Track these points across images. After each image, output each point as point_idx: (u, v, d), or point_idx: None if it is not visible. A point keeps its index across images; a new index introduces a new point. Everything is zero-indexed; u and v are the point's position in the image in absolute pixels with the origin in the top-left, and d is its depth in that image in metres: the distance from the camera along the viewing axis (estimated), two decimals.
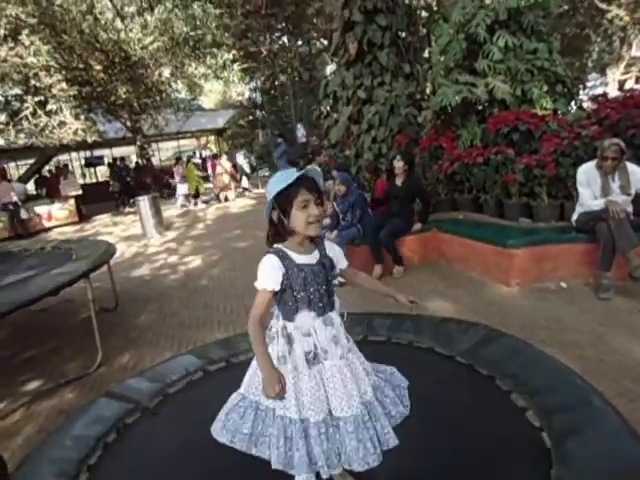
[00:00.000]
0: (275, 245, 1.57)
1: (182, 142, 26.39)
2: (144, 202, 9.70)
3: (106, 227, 12.04)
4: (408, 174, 5.07)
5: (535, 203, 4.79)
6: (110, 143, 18.20)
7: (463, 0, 5.93)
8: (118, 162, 16.59)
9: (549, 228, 4.55)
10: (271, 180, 1.55)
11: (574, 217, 4.20)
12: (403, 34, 8.42)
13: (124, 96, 14.01)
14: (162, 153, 25.87)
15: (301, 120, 15.56)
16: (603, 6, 20.63)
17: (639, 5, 20.66)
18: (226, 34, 15.07)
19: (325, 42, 15.31)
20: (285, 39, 17.59)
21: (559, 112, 5.63)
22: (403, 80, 7.90)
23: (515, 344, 2.28)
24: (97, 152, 20.38)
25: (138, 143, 17.16)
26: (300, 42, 17.75)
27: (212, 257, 7.09)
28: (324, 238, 1.68)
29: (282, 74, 17.85)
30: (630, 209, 3.90)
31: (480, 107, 5.72)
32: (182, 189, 13.84)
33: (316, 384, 1.51)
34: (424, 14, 11.42)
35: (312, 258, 1.58)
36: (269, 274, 1.51)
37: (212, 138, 26.10)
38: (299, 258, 1.55)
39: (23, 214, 11.85)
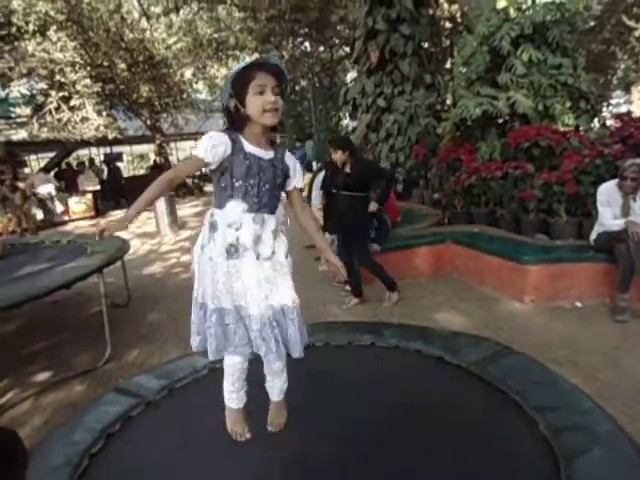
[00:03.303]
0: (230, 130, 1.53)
1: None
2: (160, 200, 9.77)
3: None
4: (354, 161, 4.25)
5: (553, 220, 4.72)
6: (129, 140, 18.41)
7: (488, 13, 5.91)
8: (110, 163, 16.87)
9: (566, 246, 4.47)
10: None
11: (593, 236, 4.13)
12: (426, 44, 8.43)
13: (146, 95, 14.19)
14: (180, 153, 26.12)
15: (309, 137, 15.57)
16: (631, 23, 20.39)
17: None
18: (249, 37, 15.20)
19: (347, 49, 15.36)
20: (307, 44, 17.68)
21: (581, 129, 5.57)
22: (424, 90, 7.90)
23: (526, 362, 2.23)
24: (116, 149, 20.64)
25: (157, 142, 17.35)
26: (322, 48, 17.82)
27: None
28: (286, 148, 1.65)
29: (302, 79, 17.93)
30: None
31: (501, 121, 5.68)
32: None
33: (232, 275, 1.51)
34: (448, 25, 11.40)
35: (265, 154, 1.54)
36: (209, 144, 1.46)
37: None
38: (250, 147, 1.50)
39: (57, 206, 12.11)
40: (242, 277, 1.52)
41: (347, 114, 11.88)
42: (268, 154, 1.54)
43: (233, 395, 1.74)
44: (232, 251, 1.50)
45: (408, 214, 6.52)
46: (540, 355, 2.90)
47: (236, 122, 1.52)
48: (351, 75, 16.80)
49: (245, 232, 1.50)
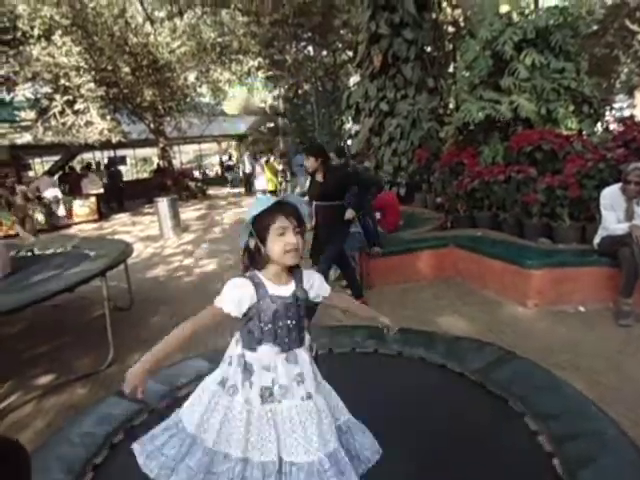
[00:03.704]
0: (250, 272, 1.50)
1: (203, 146, 26.73)
2: (163, 203, 9.81)
3: (124, 226, 12.20)
4: (327, 168, 4.13)
5: (556, 224, 4.71)
6: (133, 144, 18.49)
7: (491, 17, 5.93)
8: (111, 167, 16.89)
9: (569, 250, 4.46)
10: (251, 205, 1.51)
11: (596, 240, 4.12)
12: (429, 48, 8.44)
13: (149, 98, 14.26)
14: (183, 156, 26.23)
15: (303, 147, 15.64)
16: (634, 27, 20.39)
17: None
18: (252, 41, 15.27)
19: (350, 53, 15.41)
20: (310, 49, 17.75)
21: (584, 133, 5.56)
22: (426, 94, 7.91)
23: (529, 367, 2.23)
24: (120, 152, 20.74)
25: (160, 145, 17.42)
26: (325, 52, 17.88)
27: (227, 261, 7.12)
28: (300, 268, 1.59)
29: (306, 83, 17.99)
30: None
31: (503, 125, 5.67)
32: (260, 184, 13.97)
33: (266, 423, 1.41)
34: (450, 29, 11.43)
35: (287, 290, 1.50)
36: (234, 297, 1.43)
37: (233, 143, 26.37)
38: (273, 288, 1.47)
39: (61, 210, 12.18)
40: (282, 423, 1.42)
41: (350, 118, 11.92)
42: (290, 288, 1.52)
43: None
44: (266, 395, 1.44)
45: (411, 218, 6.53)
46: (543, 360, 2.90)
47: (257, 261, 1.51)
48: (354, 79, 16.86)
49: (282, 374, 1.46)
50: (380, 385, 2.17)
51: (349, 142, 13.40)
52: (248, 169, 16.89)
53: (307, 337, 1.57)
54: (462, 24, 11.19)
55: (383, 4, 7.81)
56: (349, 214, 4.22)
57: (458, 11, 10.31)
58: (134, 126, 16.14)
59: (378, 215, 5.53)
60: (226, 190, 19.65)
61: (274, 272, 1.50)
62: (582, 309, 4.05)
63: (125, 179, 18.84)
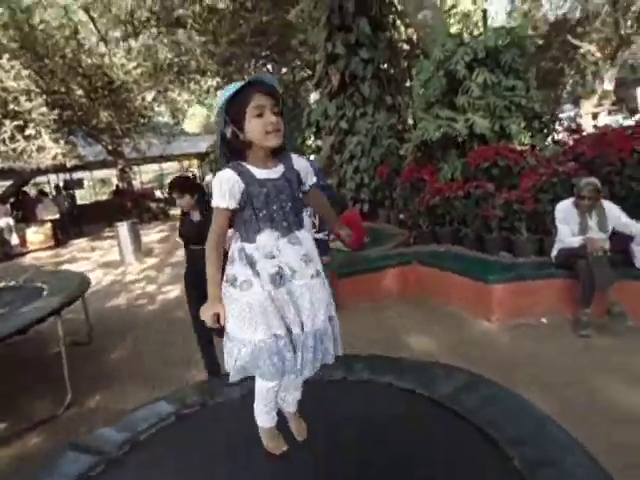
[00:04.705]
0: (233, 162, 1.44)
1: (164, 165, 26.30)
2: (123, 227, 9.53)
3: (83, 252, 11.78)
4: (204, 206, 3.34)
5: (515, 238, 4.83)
6: (90, 166, 18.00)
7: (443, 38, 6.10)
8: (62, 190, 16.37)
9: (529, 263, 4.58)
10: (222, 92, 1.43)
11: (554, 253, 4.25)
12: (385, 66, 8.62)
13: (106, 120, 13.94)
14: (143, 176, 25.70)
15: None
16: (576, 42, 21.56)
17: (609, 42, 21.64)
18: (210, 61, 15.21)
19: (309, 71, 15.57)
20: (269, 67, 17.82)
21: (537, 147, 5.76)
22: (385, 112, 8.05)
23: (496, 391, 2.23)
24: (77, 175, 20.13)
25: (119, 166, 17.01)
26: (284, 70, 18.00)
27: None
28: (287, 150, 1.54)
29: None
30: (607, 246, 3.95)
31: (460, 142, 5.81)
32: None
33: (285, 303, 1.45)
34: (406, 47, 11.72)
35: (276, 172, 1.46)
36: (224, 190, 1.39)
37: (195, 162, 26.08)
38: (261, 172, 1.43)
39: (14, 238, 11.65)
40: (296, 301, 1.47)
41: (311, 135, 11.98)
42: (279, 171, 1.47)
43: (268, 416, 1.71)
44: (278, 280, 1.43)
45: (376, 234, 6.57)
46: (509, 376, 2.94)
47: (237, 151, 1.45)
48: (314, 96, 17.01)
49: (288, 257, 1.45)
50: (349, 413, 2.14)
51: (312, 157, 13.46)
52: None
53: (306, 218, 1.58)
54: (416, 42, 11.50)
55: (339, 25, 7.94)
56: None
57: (412, 30, 10.59)
58: (90, 148, 15.74)
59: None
60: None
61: (259, 157, 1.45)
62: (544, 321, 4.14)
63: (83, 202, 18.28)
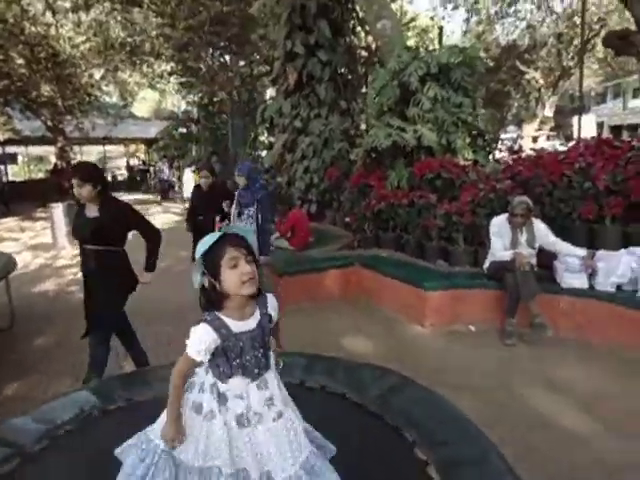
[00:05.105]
0: (210, 313, 1.47)
1: (108, 147, 25.17)
2: (58, 209, 9.04)
3: (11, 232, 11.05)
4: (104, 200, 3.02)
5: (452, 247, 5.04)
6: (26, 141, 16.90)
7: (399, 49, 6.27)
8: None
9: (463, 273, 4.79)
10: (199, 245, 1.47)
11: (486, 264, 4.48)
12: (342, 70, 8.72)
13: (47, 94, 13.14)
14: (86, 157, 24.47)
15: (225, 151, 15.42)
16: (523, 68, 22.80)
17: (552, 72, 23.07)
18: (166, 45, 14.73)
19: (268, 67, 15.44)
20: (227, 57, 17.50)
21: (479, 163, 6.05)
22: (339, 115, 8.14)
23: (423, 394, 2.33)
24: (9, 149, 18.81)
25: (59, 144, 16.09)
26: (242, 62, 17.74)
27: None
28: (264, 292, 1.59)
29: (221, 91, 17.69)
30: (534, 261, 4.22)
31: (408, 151, 5.98)
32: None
33: (244, 445, 1.46)
34: (364, 54, 11.91)
35: (252, 322, 1.50)
36: (201, 348, 1.43)
37: (142, 147, 25.15)
38: (237, 326, 1.46)
39: None
40: (259, 448, 1.47)
41: (264, 131, 11.90)
42: (255, 319, 1.51)
43: None
44: (244, 422, 1.46)
45: (321, 235, 6.63)
46: (439, 380, 3.07)
47: (214, 300, 1.48)
48: (270, 92, 16.90)
49: (254, 401, 1.48)
50: None
51: (263, 153, 13.35)
52: (166, 176, 16.21)
53: (272, 356, 1.57)
54: (375, 50, 11.72)
55: (300, 24, 7.94)
56: (144, 278, 3.18)
57: (371, 38, 10.78)
58: (28, 122, 14.78)
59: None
60: (133, 196, 18.60)
61: (235, 307, 1.48)
62: (472, 329, 4.35)
63: (16, 179, 17.13)
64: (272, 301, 1.60)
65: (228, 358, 1.46)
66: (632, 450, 2.57)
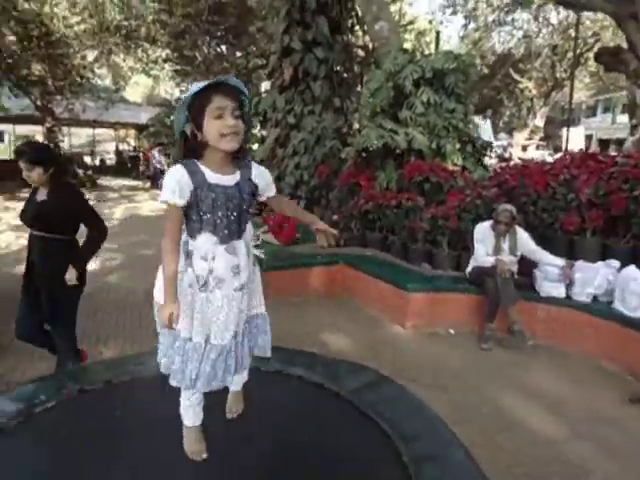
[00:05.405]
0: (187, 160, 1.44)
1: (98, 131, 24.86)
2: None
3: None
4: (56, 185, 2.80)
5: (437, 251, 5.11)
6: (13, 119, 16.61)
7: (396, 51, 6.31)
8: None
9: (445, 276, 4.86)
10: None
11: (468, 269, 4.55)
12: (338, 68, 8.74)
13: (38, 73, 12.94)
14: (75, 139, 24.14)
15: None
16: (517, 77, 23.06)
17: (545, 82, 23.37)
18: (162, 31, 14.59)
19: (264, 60, 15.39)
20: (224, 48, 17.40)
21: (467, 169, 6.13)
22: (332, 113, 8.16)
23: (398, 391, 2.38)
24: None
25: (47, 125, 15.84)
26: (239, 54, 17.66)
27: (112, 261, 6.66)
28: (251, 161, 1.56)
29: None
30: (515, 269, 4.31)
31: (399, 153, 6.03)
32: None
33: (200, 307, 1.48)
34: (361, 53, 11.94)
35: (230, 179, 1.46)
36: (172, 186, 1.37)
37: (132, 133, 24.87)
38: (213, 177, 1.42)
39: None
40: (210, 311, 1.48)
41: (257, 123, 11.87)
42: (234, 178, 1.47)
43: (191, 410, 1.64)
44: (202, 283, 1.45)
45: (308, 232, 6.66)
46: (415, 379, 3.13)
47: (193, 149, 1.43)
48: (265, 85, 16.85)
49: (220, 264, 1.46)
50: (257, 403, 2.19)
51: (255, 146, 13.32)
52: (158, 163, 16.10)
53: (249, 228, 1.56)
54: (371, 50, 11.76)
55: (298, 20, 7.94)
56: (70, 274, 2.77)
57: (368, 38, 10.81)
58: (17, 100, 14.51)
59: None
60: (122, 182, 18.43)
61: (215, 160, 1.44)
62: (452, 332, 4.43)
63: (1, 157, 16.81)
64: (259, 169, 1.56)
65: (199, 209, 1.42)
66: (587, 448, 2.69)
